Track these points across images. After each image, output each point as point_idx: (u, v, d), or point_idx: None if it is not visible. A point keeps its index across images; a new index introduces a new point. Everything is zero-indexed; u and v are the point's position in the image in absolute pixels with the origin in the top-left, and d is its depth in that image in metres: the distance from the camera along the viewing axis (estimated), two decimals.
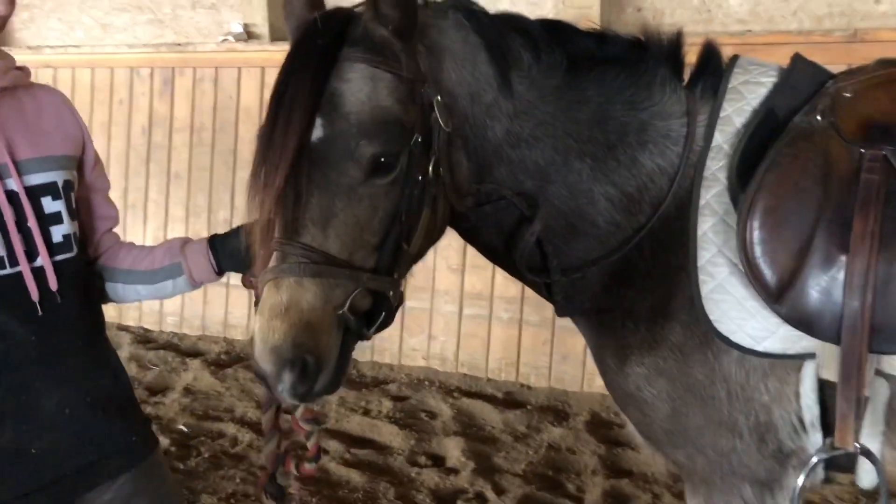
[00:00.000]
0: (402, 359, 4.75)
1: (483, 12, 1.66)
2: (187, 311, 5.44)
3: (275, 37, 5.14)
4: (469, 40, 1.63)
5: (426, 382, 4.57)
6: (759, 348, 1.56)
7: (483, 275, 4.44)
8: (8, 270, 1.62)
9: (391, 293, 1.54)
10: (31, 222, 1.64)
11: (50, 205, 1.69)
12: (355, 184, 1.47)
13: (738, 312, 1.56)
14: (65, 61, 5.83)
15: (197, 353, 5.16)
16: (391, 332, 4.95)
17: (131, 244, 1.96)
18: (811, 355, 1.55)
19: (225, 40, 5.22)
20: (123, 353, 5.08)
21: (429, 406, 4.32)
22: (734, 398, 1.63)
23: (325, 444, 3.90)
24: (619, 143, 1.67)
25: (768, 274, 1.50)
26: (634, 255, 1.70)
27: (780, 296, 1.49)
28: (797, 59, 1.69)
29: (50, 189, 1.70)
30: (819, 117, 1.56)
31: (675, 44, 1.73)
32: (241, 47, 5.12)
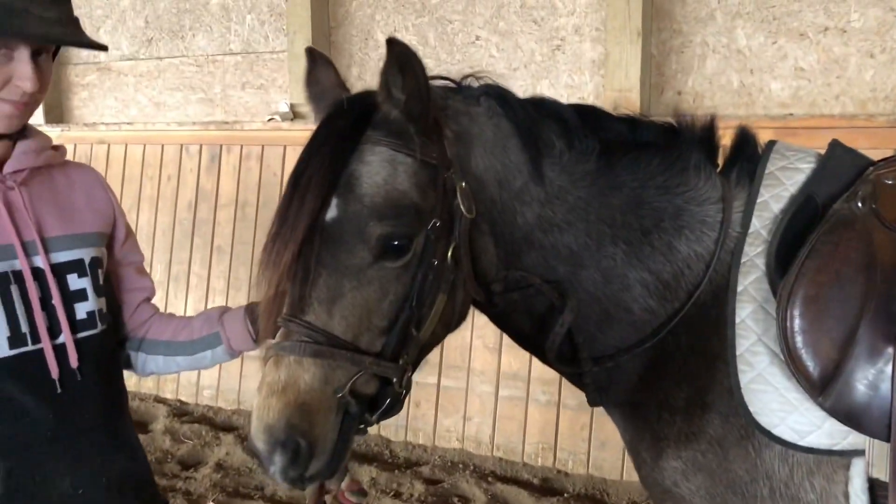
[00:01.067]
0: (436, 440, 4.65)
1: (515, 99, 1.67)
2: (223, 383, 5.43)
3: None
4: (500, 127, 1.62)
5: (460, 465, 4.46)
6: (804, 443, 1.48)
7: (520, 354, 4.35)
8: (30, 347, 1.62)
9: (396, 379, 1.50)
10: (56, 300, 1.66)
11: (75, 282, 1.71)
12: (364, 265, 1.46)
13: (779, 404, 1.49)
14: (119, 137, 6.04)
15: (231, 427, 5.13)
16: (426, 411, 4.90)
17: (171, 315, 1.97)
18: (860, 452, 1.47)
19: (272, 119, 5.37)
20: (159, 426, 5.08)
21: (462, 491, 4.20)
22: (778, 497, 1.55)
23: None
24: (654, 228, 1.65)
25: (811, 365, 1.44)
26: (670, 343, 1.65)
27: (823, 388, 1.43)
28: (836, 145, 1.66)
29: (76, 266, 1.72)
30: (860, 204, 1.52)
31: (709, 129, 1.72)
32: (286, 126, 5.25)
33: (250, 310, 1.85)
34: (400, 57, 1.48)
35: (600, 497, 4.09)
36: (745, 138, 1.73)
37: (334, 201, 1.47)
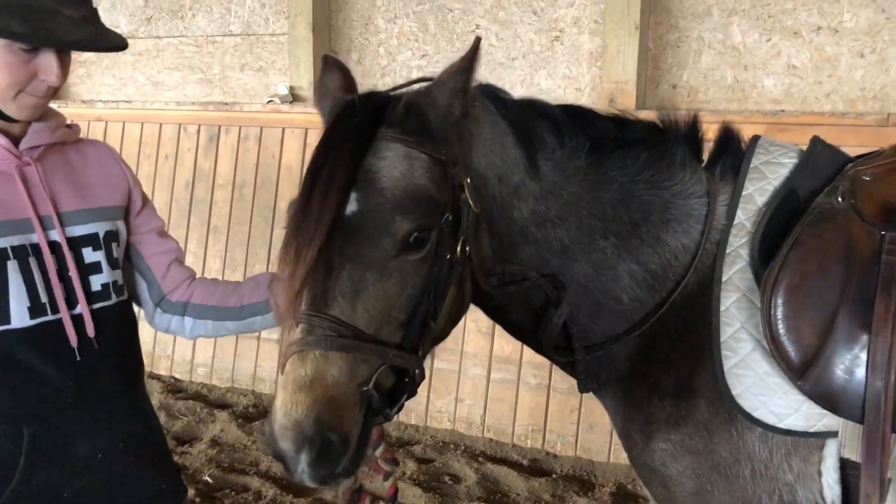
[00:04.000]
0: (428, 420, 4.74)
1: (509, 98, 1.73)
2: (217, 362, 5.51)
3: None
4: (496, 125, 1.68)
5: (451, 445, 4.56)
6: (782, 425, 1.57)
7: (512, 339, 4.42)
8: (49, 317, 1.69)
9: (415, 372, 1.54)
10: (72, 272, 1.73)
11: (90, 255, 1.78)
12: (387, 258, 1.48)
13: (760, 389, 1.57)
14: (116, 115, 6.06)
15: (225, 404, 5.21)
16: (419, 392, 4.94)
17: (214, 280, 2.04)
18: (833, 434, 1.56)
19: (270, 101, 5.41)
20: (153, 402, 5.08)
21: (453, 470, 4.30)
22: (758, 477, 1.63)
23: None
24: (643, 221, 1.72)
25: (792, 350, 1.52)
26: (659, 330, 1.73)
27: (803, 373, 1.52)
28: (817, 141, 1.74)
29: (91, 240, 1.79)
30: (840, 198, 1.60)
31: (692, 125, 1.79)
32: (285, 109, 5.30)
33: None
34: (477, 57, 1.55)
35: (587, 478, 4.19)
36: (728, 134, 1.80)
37: (353, 195, 1.49)
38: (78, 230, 1.77)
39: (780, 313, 1.53)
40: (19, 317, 1.66)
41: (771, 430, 1.59)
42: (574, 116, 1.76)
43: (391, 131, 1.55)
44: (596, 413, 4.25)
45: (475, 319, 4.55)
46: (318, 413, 1.39)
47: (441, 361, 4.68)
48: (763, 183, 1.70)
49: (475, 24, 4.89)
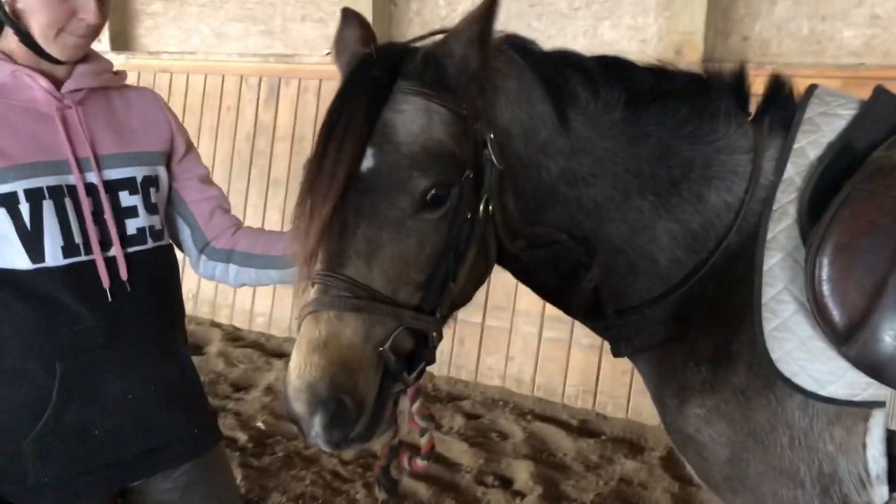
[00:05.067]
0: (478, 377, 4.74)
1: (538, 50, 1.64)
2: (276, 311, 5.60)
3: None
4: (524, 78, 1.59)
5: (500, 402, 4.54)
6: (824, 393, 1.47)
7: None
8: (83, 258, 1.72)
9: (435, 334, 1.49)
10: (108, 214, 1.75)
11: (127, 199, 1.80)
12: (405, 217, 1.42)
13: (801, 353, 1.48)
14: (181, 67, 6.14)
15: (282, 353, 5.30)
16: (469, 348, 4.97)
17: (259, 229, 2.04)
18: (881, 404, 1.46)
19: (329, 53, 5.36)
20: (213, 349, 5.29)
21: (501, 427, 4.29)
22: (797, 446, 1.55)
23: None
24: (684, 178, 1.62)
25: (837, 314, 1.42)
26: (697, 293, 1.63)
27: (848, 338, 1.41)
28: (880, 91, 1.60)
29: (128, 184, 1.80)
30: None
31: (738, 76, 1.67)
32: None
33: None
34: (495, 5, 1.47)
35: (637, 441, 4.12)
36: (778, 85, 1.67)
37: (370, 151, 1.43)
38: (115, 173, 1.79)
39: (825, 274, 1.42)
40: (52, 255, 1.69)
41: (811, 396, 1.49)
42: (609, 68, 1.65)
43: (409, 84, 1.48)
44: None
45: None
46: (332, 375, 1.37)
47: (493, 319, 4.65)
48: (817, 135, 1.58)
49: None
